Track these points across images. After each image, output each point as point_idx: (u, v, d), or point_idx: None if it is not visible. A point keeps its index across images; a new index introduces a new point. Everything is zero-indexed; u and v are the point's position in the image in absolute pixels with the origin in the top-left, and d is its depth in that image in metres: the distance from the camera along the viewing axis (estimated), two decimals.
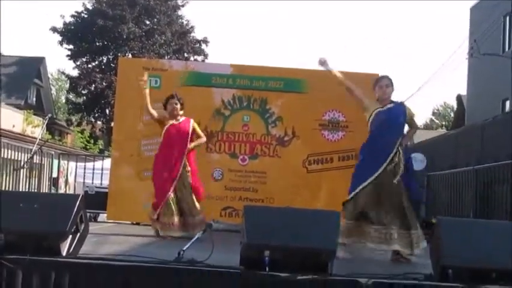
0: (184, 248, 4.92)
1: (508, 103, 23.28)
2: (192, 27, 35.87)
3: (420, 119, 61.72)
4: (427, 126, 56.62)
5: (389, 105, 6.98)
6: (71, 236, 4.85)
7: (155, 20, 34.77)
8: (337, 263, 4.87)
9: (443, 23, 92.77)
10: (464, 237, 4.66)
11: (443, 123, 56.35)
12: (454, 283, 4.53)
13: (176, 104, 8.55)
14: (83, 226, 4.98)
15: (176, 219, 8.16)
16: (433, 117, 60.34)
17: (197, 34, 36.08)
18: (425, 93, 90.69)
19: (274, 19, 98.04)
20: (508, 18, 23.81)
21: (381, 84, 7.00)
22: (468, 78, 27.58)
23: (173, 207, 8.21)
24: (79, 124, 36.68)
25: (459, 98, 36.63)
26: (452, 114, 50.57)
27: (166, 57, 31.80)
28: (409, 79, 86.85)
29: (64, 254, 4.76)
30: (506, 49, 23.80)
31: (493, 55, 21.95)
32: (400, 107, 7.04)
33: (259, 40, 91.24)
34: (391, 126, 6.89)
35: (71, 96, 37.10)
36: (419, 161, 21.03)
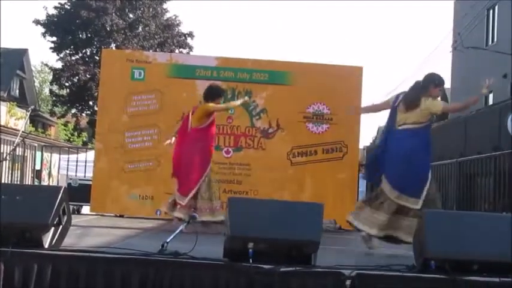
0: (167, 240, 4.90)
1: (491, 96, 23.43)
2: (177, 19, 35.71)
3: None
4: None
5: None
6: (53, 228, 4.82)
7: (139, 12, 34.59)
8: (322, 254, 4.87)
9: (427, 16, 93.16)
10: (447, 229, 4.68)
11: None
12: (437, 274, 4.56)
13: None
14: (65, 218, 4.95)
15: (212, 203, 8.13)
16: None
17: (182, 28, 35.96)
18: (410, 86, 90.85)
19: (259, 12, 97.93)
20: (491, 11, 23.93)
21: (442, 87, 6.91)
22: (452, 71, 27.70)
23: (209, 192, 8.15)
24: (63, 116, 36.47)
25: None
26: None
27: (150, 50, 31.65)
28: (393, 72, 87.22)
29: (46, 246, 4.74)
30: (490, 43, 23.93)
31: (477, 48, 22.05)
32: None
33: (244, 33, 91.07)
34: None
35: (54, 88, 36.81)
36: None
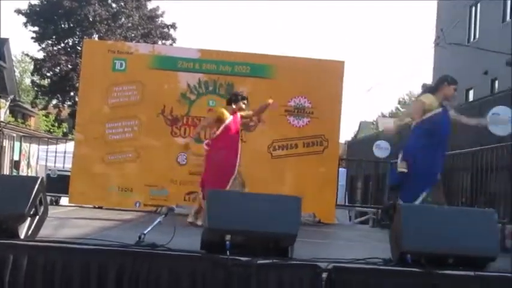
0: (145, 232, 4.89)
1: (471, 92, 23.59)
2: (160, 10, 35.55)
3: (386, 108, 62.20)
4: (393, 115, 57.15)
5: (446, 108, 6.90)
6: (29, 219, 4.78)
7: (122, 3, 34.39)
8: (300, 247, 4.89)
9: (411, 11, 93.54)
10: (424, 223, 4.72)
11: None
12: (412, 268, 4.59)
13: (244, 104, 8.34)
14: (42, 209, 4.92)
15: None
16: (399, 106, 60.89)
17: (166, 19, 35.84)
18: (392, 82, 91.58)
19: (242, 5, 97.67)
20: (473, 8, 24.08)
21: (456, 87, 6.92)
22: (434, 67, 27.84)
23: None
24: (45, 108, 36.20)
25: (425, 87, 36.97)
26: None
27: (133, 41, 31.49)
28: (375, 68, 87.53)
29: (22, 236, 4.70)
30: (472, 39, 24.08)
31: (459, 45, 22.18)
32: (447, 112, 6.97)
33: (227, 26, 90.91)
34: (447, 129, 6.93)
35: (35, 79, 36.49)
36: (383, 149, 21.34)
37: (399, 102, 61.20)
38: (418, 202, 6.50)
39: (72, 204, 10.35)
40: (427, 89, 6.91)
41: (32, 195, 4.70)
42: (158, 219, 5.24)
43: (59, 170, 11.58)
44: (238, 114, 8.23)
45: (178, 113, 10.28)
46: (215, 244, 4.65)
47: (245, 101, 8.26)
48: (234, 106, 8.14)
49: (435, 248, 4.63)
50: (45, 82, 35.27)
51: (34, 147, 14.22)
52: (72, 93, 34.40)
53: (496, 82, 21.58)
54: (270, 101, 8.47)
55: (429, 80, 31.83)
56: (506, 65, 19.91)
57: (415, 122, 6.83)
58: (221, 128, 8.03)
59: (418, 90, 50.45)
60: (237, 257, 4.52)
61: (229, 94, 9.03)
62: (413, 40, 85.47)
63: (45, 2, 33.82)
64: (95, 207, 10.33)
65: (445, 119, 6.83)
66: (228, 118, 8.05)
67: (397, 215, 4.98)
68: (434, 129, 6.78)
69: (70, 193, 10.14)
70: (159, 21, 35.46)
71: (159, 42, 33.90)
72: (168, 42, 34.95)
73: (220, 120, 8.04)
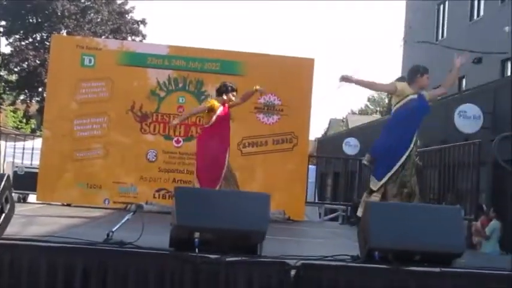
0: (113, 229, 4.86)
1: None
2: (128, 5, 35.29)
3: (356, 105, 62.61)
4: (362, 112, 57.51)
5: (419, 93, 6.98)
6: None
7: None
8: (269, 244, 4.90)
9: (380, 9, 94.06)
10: (392, 220, 4.76)
11: (378, 109, 57.31)
12: (380, 264, 4.63)
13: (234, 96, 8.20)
14: (8, 206, 4.84)
15: None
16: (368, 103, 61.29)
17: (136, 15, 35.55)
18: (362, 78, 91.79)
19: (213, 1, 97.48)
20: (441, 6, 24.34)
21: (428, 75, 7.00)
22: (403, 65, 28.08)
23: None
24: (12, 104, 35.71)
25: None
26: (386, 101, 51.47)
27: (102, 37, 31.21)
28: (345, 64, 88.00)
29: None
30: (440, 37, 24.34)
31: (427, 43, 22.41)
32: (423, 95, 7.05)
33: (198, 23, 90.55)
34: (419, 113, 6.99)
35: (2, 74, 35.98)
36: (353, 146, 21.49)
37: (368, 100, 61.57)
38: (389, 174, 6.61)
39: (40, 202, 10.24)
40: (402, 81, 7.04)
41: None
42: (127, 217, 5.22)
43: (26, 167, 11.43)
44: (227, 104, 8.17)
45: (147, 110, 10.24)
46: (184, 242, 4.63)
47: (234, 93, 8.15)
48: (224, 97, 8.05)
49: (402, 244, 4.68)
50: (13, 77, 34.80)
51: (1, 143, 14.01)
52: (40, 89, 33.97)
53: (464, 80, 21.85)
54: (257, 87, 8.40)
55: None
56: (473, 63, 20.17)
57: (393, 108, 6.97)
58: (213, 118, 7.98)
59: None
60: (206, 255, 4.51)
61: (198, 90, 8.99)
62: (382, 37, 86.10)
63: None
64: (63, 205, 10.22)
65: (421, 102, 6.96)
66: (219, 108, 8.01)
67: (365, 212, 5.02)
68: (411, 114, 6.90)
69: (38, 190, 10.04)
70: (129, 17, 35.21)
71: (129, 38, 33.66)
72: (138, 38, 34.70)
73: (212, 110, 7.99)
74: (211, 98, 10.17)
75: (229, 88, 8.11)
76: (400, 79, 7.37)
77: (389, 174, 6.63)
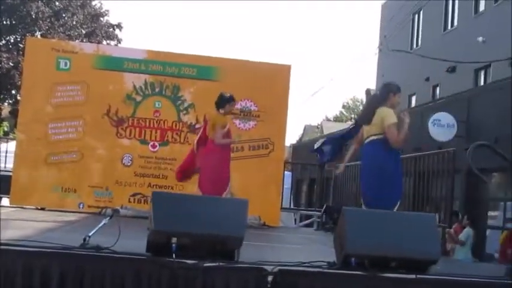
0: (90, 234, 4.83)
1: (414, 98, 24.09)
2: (105, 10, 35.12)
3: (330, 112, 62.85)
4: (337, 119, 57.82)
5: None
6: None
7: (66, 1, 33.82)
8: (245, 250, 4.90)
9: (356, 17, 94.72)
10: (368, 227, 4.80)
11: (353, 115, 57.67)
12: (356, 271, 4.66)
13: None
14: None
15: None
16: (343, 110, 61.64)
17: (111, 19, 35.42)
18: (336, 86, 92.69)
19: (189, 7, 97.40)
20: (416, 16, 24.60)
21: (400, 94, 6.82)
22: (377, 73, 28.32)
23: None
24: None
25: (368, 92, 37.63)
26: (361, 108, 51.80)
27: (77, 40, 31.00)
28: (320, 71, 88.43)
29: None
30: (414, 46, 24.59)
31: (402, 51, 22.62)
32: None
33: (174, 27, 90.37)
34: None
35: None
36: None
37: (343, 107, 61.97)
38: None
39: (14, 206, 10.13)
40: (375, 100, 6.79)
41: None
42: (103, 221, 5.18)
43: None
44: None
45: (123, 114, 10.19)
46: (161, 246, 4.63)
47: (232, 103, 7.84)
48: (222, 111, 7.75)
49: (379, 251, 4.72)
50: None
51: None
52: (13, 92, 33.65)
53: (438, 88, 22.11)
54: None
55: (372, 85, 32.36)
56: (447, 72, 20.42)
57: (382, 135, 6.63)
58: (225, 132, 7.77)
59: (361, 95, 51.22)
60: (183, 260, 4.50)
61: (174, 95, 8.94)
62: (357, 45, 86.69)
63: None
64: (37, 209, 10.12)
65: None
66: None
67: (341, 218, 5.05)
68: None
69: (11, 194, 9.93)
70: (104, 21, 35.02)
71: (104, 42, 33.47)
72: (113, 42, 34.54)
73: (224, 126, 7.76)
74: (187, 103, 10.22)
75: (226, 100, 7.77)
76: (371, 97, 7.20)
77: None
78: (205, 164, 7.74)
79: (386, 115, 6.40)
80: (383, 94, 6.67)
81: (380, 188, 6.23)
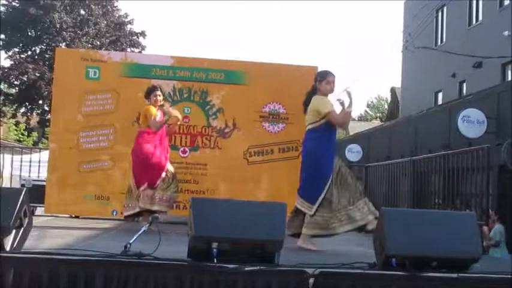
0: (131, 241, 4.88)
1: (440, 95, 23.94)
2: (128, 17, 35.40)
3: (355, 111, 62.49)
4: (362, 118, 57.62)
5: None
6: (14, 231, 4.74)
7: (88, 10, 34.16)
8: (285, 253, 4.92)
9: (379, 16, 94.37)
10: (408, 227, 4.79)
11: (378, 114, 57.44)
12: (397, 271, 4.66)
13: (160, 95, 8.73)
14: (26, 220, 4.88)
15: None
16: (368, 109, 61.43)
17: (135, 27, 35.69)
18: (360, 85, 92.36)
19: (213, 11, 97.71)
20: (440, 12, 24.45)
21: (329, 79, 7.06)
22: (402, 71, 28.18)
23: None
24: (13, 116, 35.76)
25: (393, 91, 37.49)
26: (386, 106, 51.57)
27: (102, 49, 31.29)
28: (345, 71, 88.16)
29: (8, 249, 4.65)
30: (439, 43, 24.44)
31: (426, 48, 22.51)
32: None
33: (198, 33, 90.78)
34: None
35: (2, 87, 36.06)
36: (355, 152, 21.54)
37: (368, 105, 61.72)
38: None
39: (48, 214, 10.25)
40: (310, 91, 7.17)
41: (17, 207, 4.66)
42: (143, 228, 5.23)
43: (33, 180, 11.43)
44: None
45: None
46: (202, 252, 4.66)
47: (155, 92, 8.69)
48: (147, 102, 8.66)
49: (419, 251, 4.71)
50: (13, 91, 34.88)
51: (6, 157, 14.02)
52: (40, 102, 34.05)
53: (464, 84, 21.95)
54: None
55: (397, 83, 32.16)
56: (474, 68, 20.25)
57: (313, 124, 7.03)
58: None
59: (386, 93, 50.93)
60: (223, 265, 4.54)
61: (203, 100, 9.20)
62: (383, 44, 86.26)
63: (11, 10, 33.48)
64: (71, 217, 10.24)
65: None
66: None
67: (380, 219, 5.05)
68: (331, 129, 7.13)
69: (46, 203, 10.02)
70: (128, 29, 35.32)
71: (128, 50, 33.77)
72: (137, 50, 34.82)
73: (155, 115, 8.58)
74: (216, 108, 10.29)
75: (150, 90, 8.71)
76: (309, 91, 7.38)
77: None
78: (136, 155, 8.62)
79: (319, 106, 6.92)
80: (314, 85, 7.04)
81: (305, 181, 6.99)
